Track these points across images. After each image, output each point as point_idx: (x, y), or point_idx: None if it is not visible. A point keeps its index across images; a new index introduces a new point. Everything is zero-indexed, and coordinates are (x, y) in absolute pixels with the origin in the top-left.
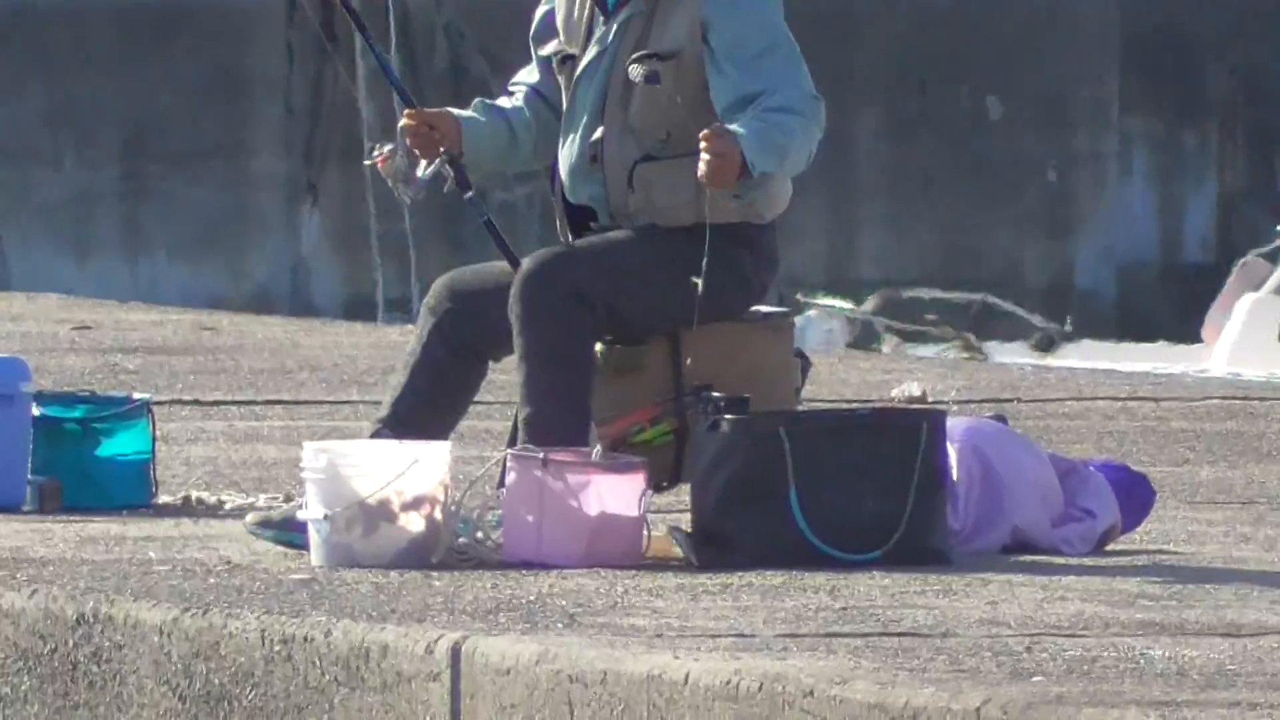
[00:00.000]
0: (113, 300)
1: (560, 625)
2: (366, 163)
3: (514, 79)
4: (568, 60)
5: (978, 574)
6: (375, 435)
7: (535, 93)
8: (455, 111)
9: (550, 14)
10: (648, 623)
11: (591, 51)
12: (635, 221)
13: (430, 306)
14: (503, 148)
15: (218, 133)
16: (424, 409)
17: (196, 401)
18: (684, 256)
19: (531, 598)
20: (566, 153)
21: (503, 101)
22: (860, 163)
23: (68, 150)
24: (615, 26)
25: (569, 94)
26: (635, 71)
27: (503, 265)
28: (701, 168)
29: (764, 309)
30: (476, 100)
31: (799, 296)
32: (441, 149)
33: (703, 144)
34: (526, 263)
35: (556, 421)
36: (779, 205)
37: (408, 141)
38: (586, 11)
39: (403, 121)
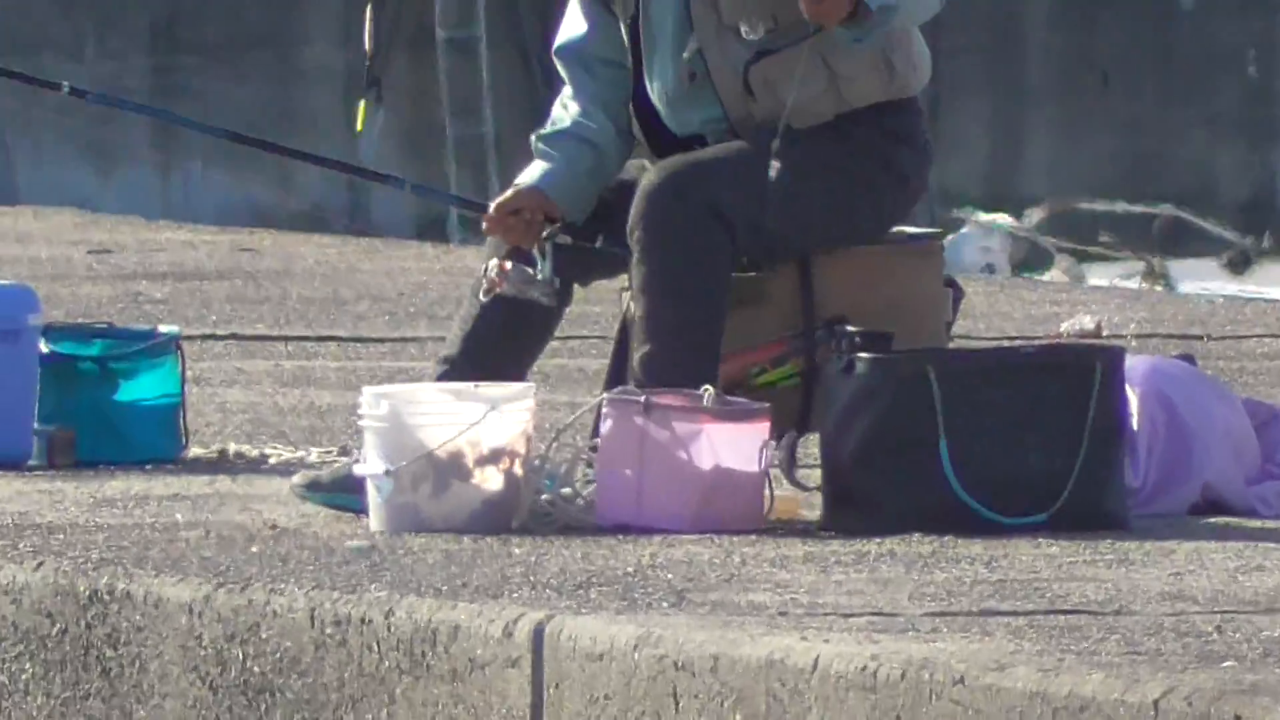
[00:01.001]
0: (137, 217)
1: (665, 603)
2: (484, 297)
3: (559, 99)
4: None
5: (1160, 541)
6: (441, 378)
7: (588, 68)
8: (527, 178)
9: None
10: (769, 599)
11: None
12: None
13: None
14: (596, 171)
15: (262, 18)
16: (498, 345)
17: (234, 336)
18: (834, 158)
19: (630, 569)
20: (658, 85)
21: (562, 119)
22: (1027, 55)
23: (87, 39)
24: None
25: (636, 18)
26: None
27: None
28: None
29: (909, 229)
30: (534, 141)
31: (952, 213)
32: (544, 230)
33: None
34: (651, 175)
35: (682, 363)
36: (924, 72)
37: (507, 241)
38: None
39: (485, 227)
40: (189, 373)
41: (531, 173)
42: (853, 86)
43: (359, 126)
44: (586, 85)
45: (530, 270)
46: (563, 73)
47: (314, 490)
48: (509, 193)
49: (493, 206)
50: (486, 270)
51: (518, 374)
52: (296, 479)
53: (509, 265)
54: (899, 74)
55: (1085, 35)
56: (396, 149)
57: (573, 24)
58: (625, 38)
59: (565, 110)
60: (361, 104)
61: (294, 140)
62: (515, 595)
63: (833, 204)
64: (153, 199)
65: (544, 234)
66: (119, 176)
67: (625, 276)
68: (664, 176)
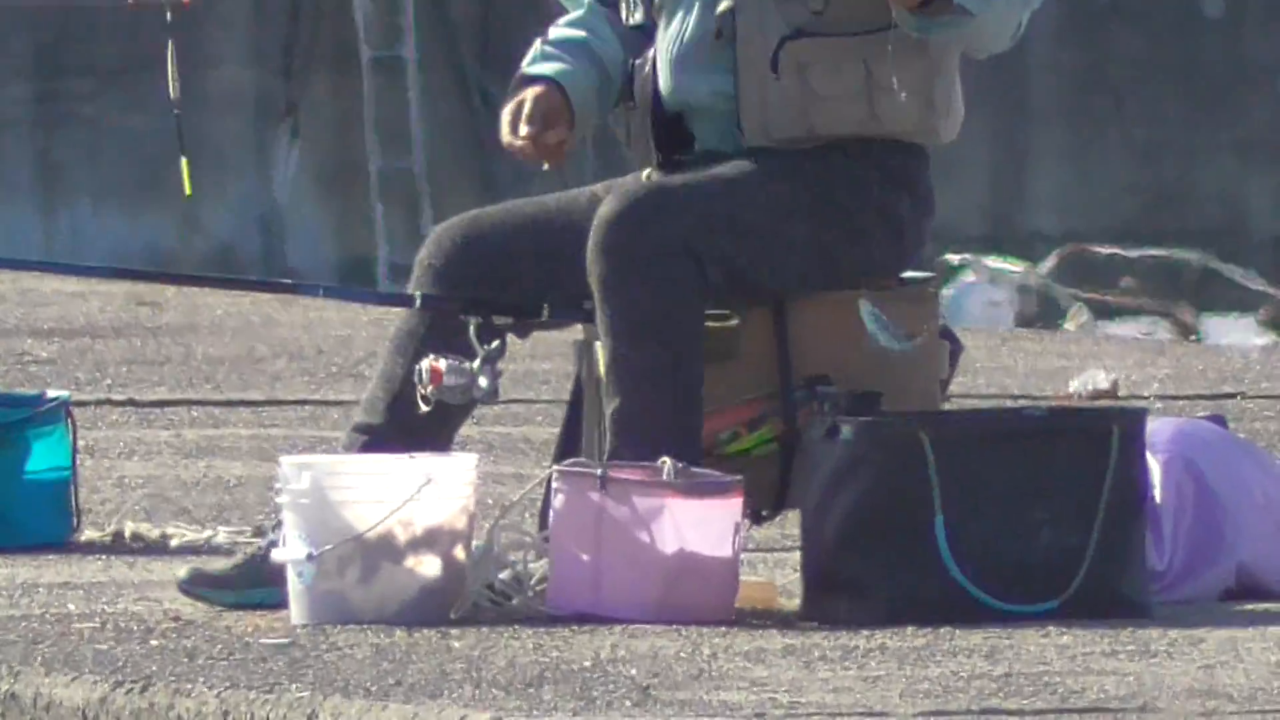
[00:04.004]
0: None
1: (627, 702)
2: (424, 398)
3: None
4: None
5: (1187, 629)
6: (361, 450)
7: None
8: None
9: None
10: (745, 698)
11: None
12: (770, 130)
13: (425, 262)
14: (601, 93)
15: (161, 38)
16: (407, 410)
17: (132, 402)
18: (824, 192)
19: (587, 663)
20: (669, 37)
21: (570, 30)
22: (1033, 71)
23: None
24: None
25: None
26: None
27: (536, 202)
28: None
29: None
30: (543, 46)
31: (951, 256)
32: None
33: None
34: (611, 204)
35: (660, 415)
36: (955, 124)
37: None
38: None
39: (520, 144)
40: (81, 443)
41: (541, 68)
42: (885, 104)
43: (187, 190)
44: (595, 16)
45: (467, 366)
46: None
47: (218, 589)
48: (527, 102)
49: (516, 126)
50: (419, 374)
51: (445, 443)
52: (182, 573)
53: (442, 366)
54: (935, 113)
55: (1097, 50)
56: (313, 185)
57: None
58: None
59: (570, 27)
60: (184, 162)
61: (200, 175)
62: (456, 694)
63: (815, 244)
64: (36, 243)
65: (485, 348)
66: None
67: (579, 327)
68: (626, 206)
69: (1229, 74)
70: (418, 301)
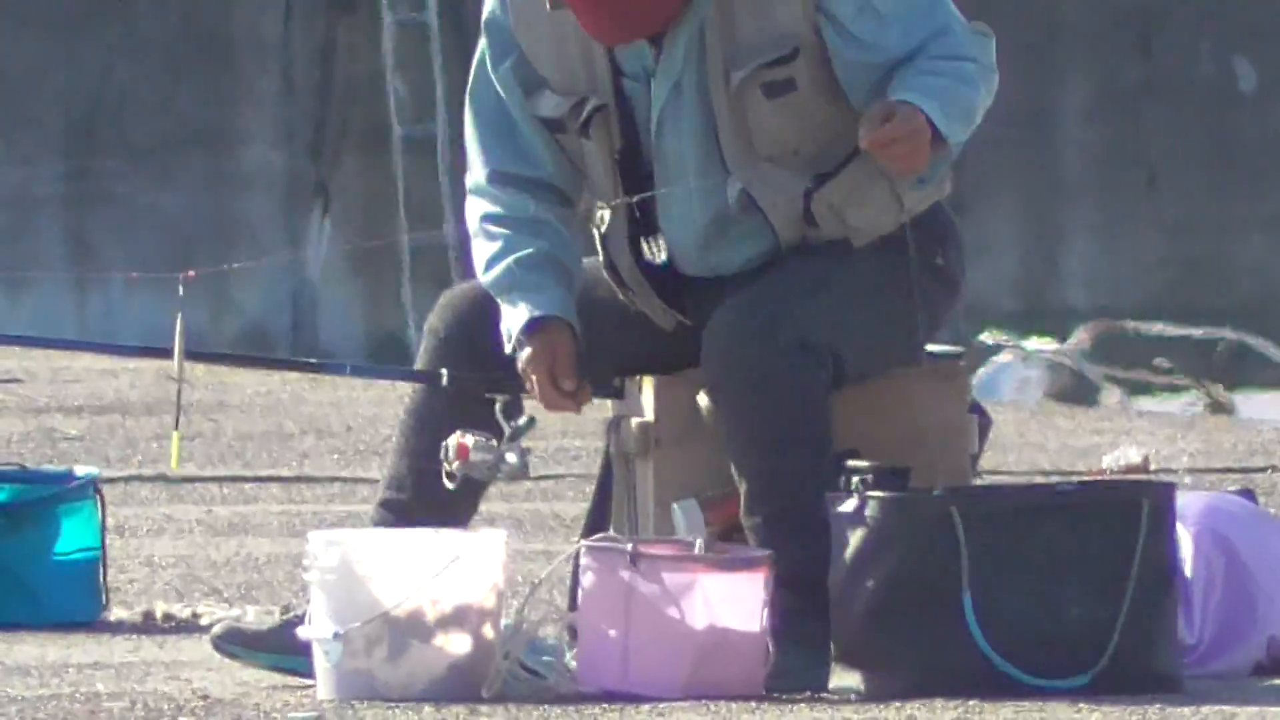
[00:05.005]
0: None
1: None
2: (450, 474)
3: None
4: (598, 112)
5: (1219, 704)
6: (383, 524)
7: (548, 194)
8: (549, 321)
9: (516, 59)
10: None
11: (661, 87)
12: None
13: (437, 332)
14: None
15: (193, 115)
16: (432, 485)
17: (162, 478)
18: (894, 272)
19: None
20: (678, 228)
21: (527, 239)
22: (1064, 148)
23: None
24: (681, 47)
25: (627, 154)
26: (755, 87)
27: None
28: (890, 157)
29: (928, 347)
30: (514, 268)
31: (985, 337)
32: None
33: (885, 126)
34: (728, 315)
35: (814, 518)
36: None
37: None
38: (600, 46)
39: (568, 405)
40: (110, 521)
41: (540, 305)
42: (911, 193)
43: (174, 464)
44: (538, 205)
45: (494, 443)
46: (493, 202)
47: (252, 650)
48: (560, 359)
49: (554, 384)
50: (445, 451)
51: (467, 519)
52: (216, 629)
53: (469, 442)
54: (946, 172)
55: (1128, 126)
56: (345, 262)
57: (500, 146)
58: (602, 173)
59: (517, 226)
60: (175, 436)
61: (231, 254)
62: None
63: (895, 320)
64: (68, 321)
65: (512, 425)
66: (30, 296)
67: (609, 404)
68: (744, 309)
69: (1261, 149)
70: (445, 379)
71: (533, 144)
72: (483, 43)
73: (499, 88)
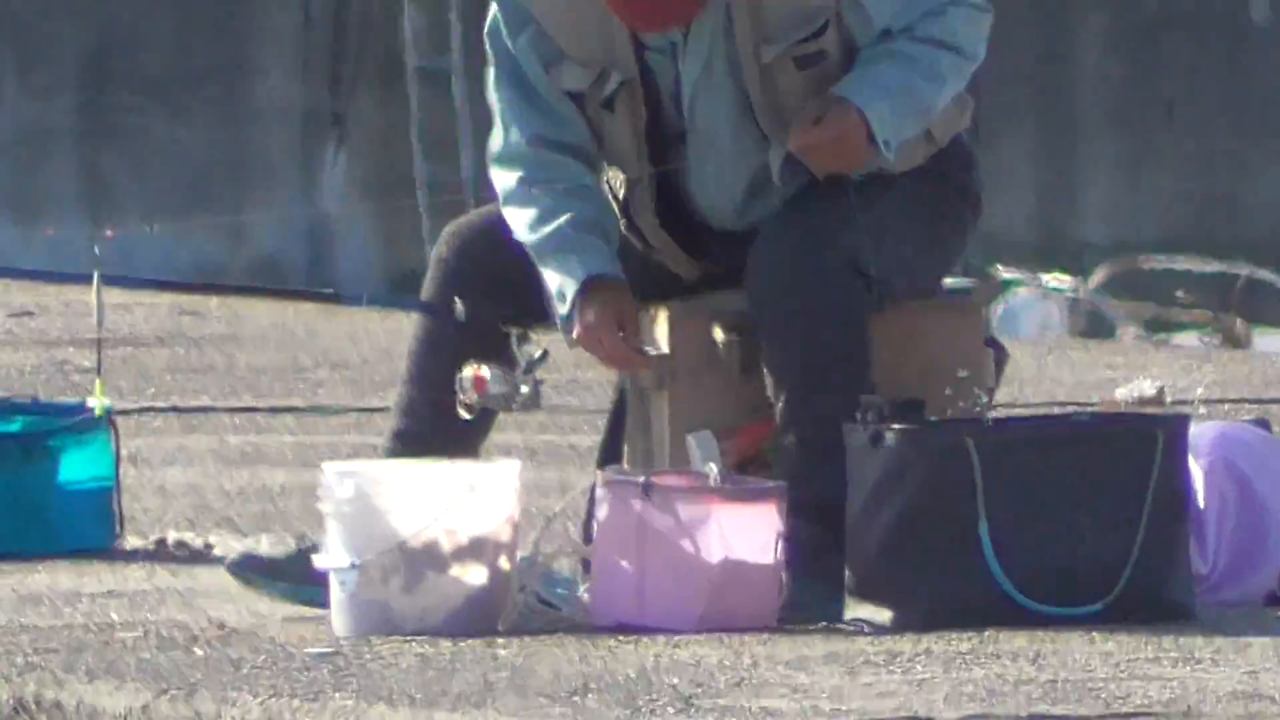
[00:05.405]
0: (66, 275)
1: (670, 710)
2: (467, 405)
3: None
4: (623, 86)
5: (1232, 634)
6: (396, 455)
7: (585, 159)
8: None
9: (533, 31)
10: (787, 705)
11: (693, 66)
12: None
13: (444, 261)
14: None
15: (208, 49)
16: (445, 415)
17: (175, 409)
18: (930, 197)
19: (631, 673)
20: (714, 193)
21: (572, 201)
22: (1082, 83)
23: (7, 76)
24: (708, 26)
25: (652, 124)
26: (788, 61)
27: None
28: (819, 161)
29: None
30: (568, 230)
31: (1002, 270)
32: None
33: (813, 130)
34: (775, 229)
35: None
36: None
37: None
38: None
39: (623, 366)
40: (123, 451)
41: (597, 263)
42: (939, 125)
43: (98, 398)
44: (580, 169)
45: (510, 375)
46: (534, 167)
47: (270, 578)
48: (629, 318)
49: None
50: (461, 382)
51: (476, 450)
52: (235, 557)
53: (486, 373)
54: (968, 99)
55: (1146, 60)
56: (361, 196)
57: (535, 112)
58: (625, 143)
59: (566, 197)
60: (99, 382)
61: (246, 187)
62: (501, 704)
63: (932, 244)
64: (83, 254)
65: (527, 356)
66: (44, 229)
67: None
68: (795, 232)
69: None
70: (460, 310)
71: (563, 111)
72: (496, 12)
73: (520, 60)
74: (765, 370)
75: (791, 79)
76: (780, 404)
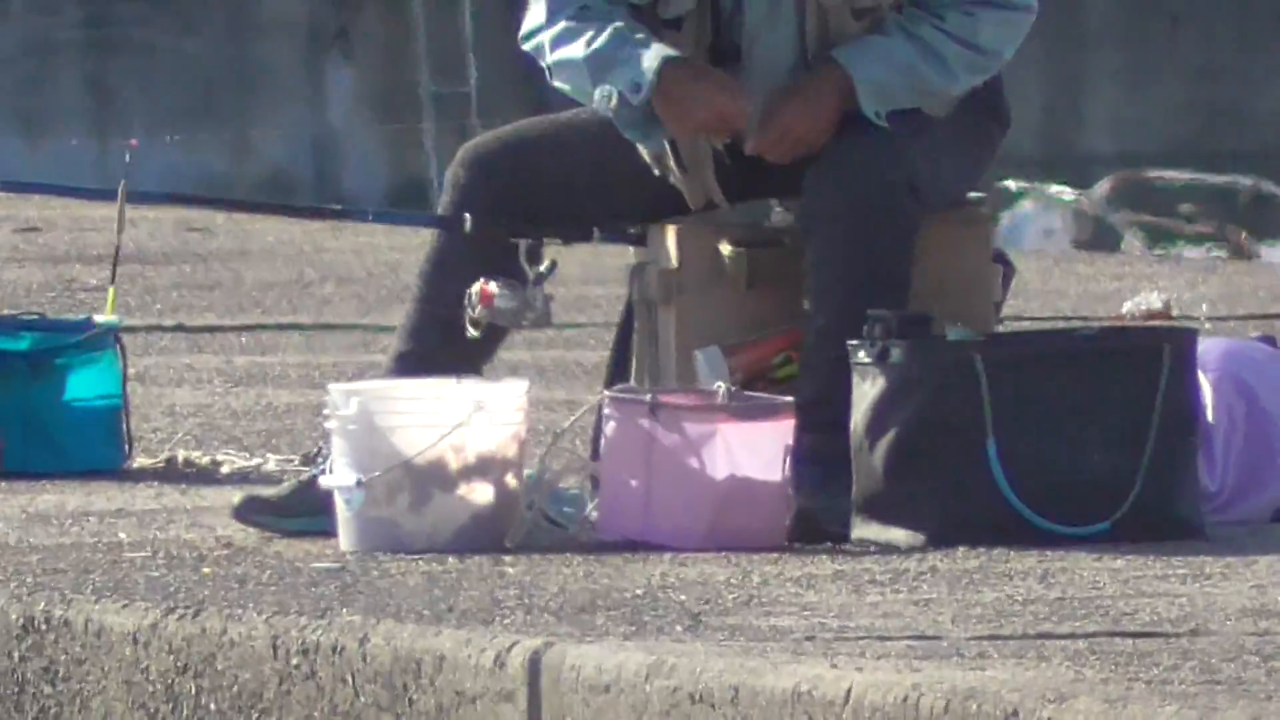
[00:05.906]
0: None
1: (678, 628)
2: (474, 321)
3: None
4: (690, 14)
5: (1240, 550)
6: (402, 373)
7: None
8: (684, 60)
9: None
10: (795, 623)
11: (759, 5)
12: None
13: (459, 181)
14: None
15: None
16: (453, 333)
17: (181, 327)
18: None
19: (638, 590)
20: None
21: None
22: None
23: None
24: None
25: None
26: (846, 10)
27: (554, 120)
28: (779, 156)
29: None
30: (629, 34)
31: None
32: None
33: (766, 135)
34: (838, 147)
35: None
36: None
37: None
38: None
39: (735, 111)
40: (131, 370)
41: (664, 51)
42: None
43: (109, 310)
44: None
45: (517, 289)
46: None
47: (275, 516)
48: (723, 82)
49: (721, 92)
50: (469, 297)
51: (479, 370)
52: (238, 501)
53: (493, 288)
54: None
55: None
56: (367, 110)
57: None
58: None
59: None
60: (111, 291)
61: (253, 101)
62: (508, 620)
63: (972, 163)
64: (88, 169)
65: (535, 270)
66: (48, 144)
67: (631, 251)
68: (857, 149)
69: None
70: (468, 224)
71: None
72: None
73: None
74: (809, 284)
75: (846, 26)
76: (820, 319)
